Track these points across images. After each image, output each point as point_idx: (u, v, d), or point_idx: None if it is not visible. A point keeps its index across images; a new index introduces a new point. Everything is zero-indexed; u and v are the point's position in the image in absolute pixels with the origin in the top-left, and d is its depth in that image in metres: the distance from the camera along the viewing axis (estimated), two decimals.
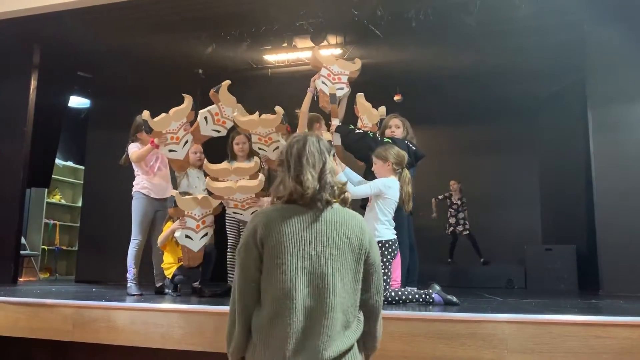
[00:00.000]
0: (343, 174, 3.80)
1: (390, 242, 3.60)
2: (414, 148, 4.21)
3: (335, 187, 1.86)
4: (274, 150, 4.35)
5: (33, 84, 6.14)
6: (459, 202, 7.55)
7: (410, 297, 3.48)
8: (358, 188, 3.70)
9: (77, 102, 8.41)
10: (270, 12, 5.83)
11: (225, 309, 3.17)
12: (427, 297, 3.47)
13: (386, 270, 3.54)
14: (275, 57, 7.14)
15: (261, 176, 4.06)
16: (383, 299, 3.40)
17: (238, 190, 4.04)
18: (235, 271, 1.80)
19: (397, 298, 3.47)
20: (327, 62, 4.50)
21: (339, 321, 1.71)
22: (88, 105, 8.09)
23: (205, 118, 4.43)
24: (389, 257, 3.57)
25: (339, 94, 4.41)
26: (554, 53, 6.35)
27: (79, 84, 7.78)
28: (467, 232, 7.44)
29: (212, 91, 4.37)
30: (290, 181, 1.83)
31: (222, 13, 5.84)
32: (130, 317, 3.20)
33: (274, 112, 4.28)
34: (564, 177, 7.21)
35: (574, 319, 2.68)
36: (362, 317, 1.81)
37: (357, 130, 4.18)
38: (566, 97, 7.20)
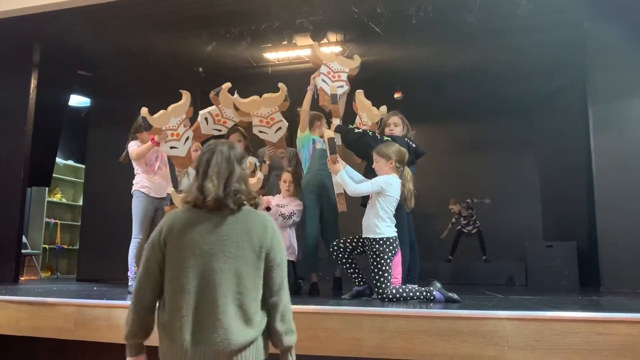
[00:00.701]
0: (344, 171, 3.80)
1: (391, 240, 3.60)
2: (414, 145, 4.21)
3: (242, 195, 1.99)
4: (275, 132, 4.37)
5: (33, 82, 6.13)
6: (459, 212, 7.62)
7: (411, 294, 3.48)
8: (360, 186, 3.71)
9: (77, 100, 8.41)
10: (271, 9, 5.83)
11: None
12: (428, 294, 3.48)
13: (387, 267, 3.55)
14: (276, 55, 7.13)
15: (260, 174, 4.06)
16: (383, 293, 3.42)
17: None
18: (140, 265, 1.97)
19: (397, 295, 3.47)
20: (327, 59, 4.47)
21: (236, 315, 1.85)
22: (88, 104, 8.08)
23: (206, 119, 4.43)
24: (389, 254, 3.58)
25: (339, 92, 4.38)
26: (554, 51, 6.35)
27: (79, 83, 7.77)
28: (476, 229, 7.46)
29: (212, 94, 4.37)
30: (194, 189, 2.00)
31: (222, 11, 5.83)
32: None
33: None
34: (564, 175, 7.21)
35: (575, 316, 2.69)
36: (263, 309, 1.94)
37: (357, 130, 4.17)
38: (566, 94, 7.20)
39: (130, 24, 5.96)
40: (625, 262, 5.20)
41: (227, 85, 4.36)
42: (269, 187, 4.72)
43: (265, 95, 4.34)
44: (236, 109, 4.36)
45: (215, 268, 1.87)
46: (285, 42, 6.51)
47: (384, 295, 3.49)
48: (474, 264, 7.24)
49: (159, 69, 6.81)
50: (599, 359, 2.56)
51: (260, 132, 4.42)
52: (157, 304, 1.95)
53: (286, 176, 4.40)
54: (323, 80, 4.38)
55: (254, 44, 6.50)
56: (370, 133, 4.14)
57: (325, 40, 6.46)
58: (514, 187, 8.05)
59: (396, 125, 4.37)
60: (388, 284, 3.52)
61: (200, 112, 4.56)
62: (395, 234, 3.65)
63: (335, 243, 3.85)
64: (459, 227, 7.57)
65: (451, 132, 8.34)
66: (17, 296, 3.54)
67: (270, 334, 1.96)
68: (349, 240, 3.81)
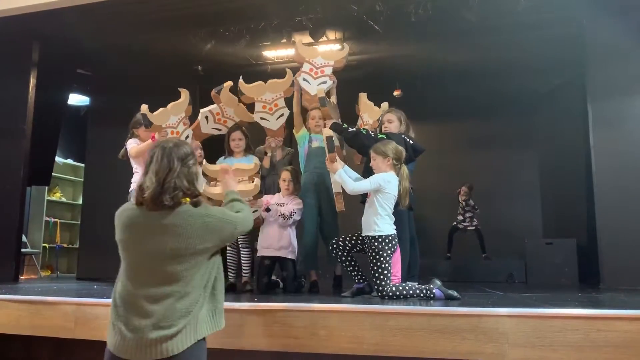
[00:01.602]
0: (342, 171, 3.79)
1: (390, 237, 3.60)
2: (411, 142, 4.18)
3: (180, 192, 2.11)
4: (277, 119, 4.33)
5: (32, 81, 6.13)
6: (463, 204, 7.57)
7: (411, 292, 3.48)
8: (358, 183, 3.71)
9: (76, 99, 8.40)
10: (269, 8, 5.82)
11: (226, 305, 3.18)
12: (428, 292, 3.48)
13: (386, 265, 3.55)
14: (275, 53, 7.12)
15: (257, 180, 4.00)
16: (382, 291, 3.42)
17: (233, 173, 3.99)
18: None
19: (397, 293, 3.47)
20: (309, 55, 4.37)
21: (169, 307, 2.06)
22: (87, 103, 8.08)
23: (207, 117, 4.42)
24: (389, 251, 3.58)
25: (322, 88, 4.27)
26: (554, 48, 6.34)
27: (78, 82, 7.77)
28: (474, 227, 7.43)
29: (213, 92, 4.35)
30: (137, 186, 2.17)
31: (221, 9, 5.83)
32: None
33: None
34: (564, 171, 7.21)
35: (574, 313, 2.69)
36: (200, 305, 2.14)
37: (350, 129, 4.14)
38: (566, 91, 7.20)
39: (130, 22, 5.95)
40: (624, 258, 5.20)
41: (229, 83, 4.34)
42: (267, 187, 4.70)
43: (270, 81, 4.31)
44: (240, 93, 4.31)
45: (158, 264, 2.08)
46: (284, 40, 6.50)
47: (384, 293, 3.49)
48: (473, 262, 7.24)
49: (158, 67, 6.80)
50: (598, 355, 2.56)
51: (261, 118, 4.37)
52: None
53: (285, 174, 4.38)
54: (305, 80, 4.30)
55: (253, 42, 6.48)
56: (364, 131, 4.09)
57: (324, 38, 6.46)
58: (514, 184, 8.04)
59: (390, 122, 4.30)
60: (388, 281, 3.52)
61: (201, 110, 4.55)
62: (394, 232, 3.65)
63: (334, 241, 3.85)
64: (454, 222, 7.56)
65: (451, 129, 8.33)
66: (17, 295, 3.54)
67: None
68: (348, 238, 3.81)
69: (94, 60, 7.00)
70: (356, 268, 3.83)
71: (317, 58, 4.35)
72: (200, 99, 6.76)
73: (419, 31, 6.14)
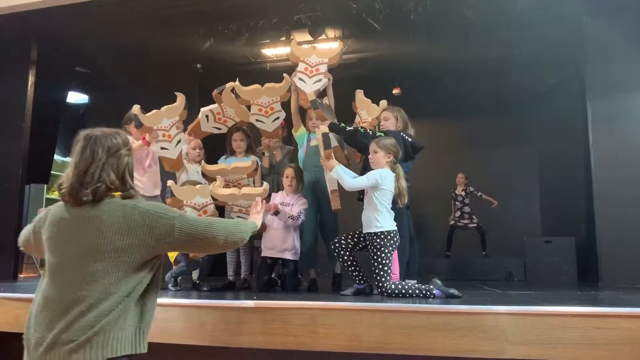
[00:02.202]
0: (340, 167, 3.79)
1: (392, 233, 3.60)
2: (410, 140, 4.18)
3: (102, 185, 1.88)
4: (272, 122, 4.34)
5: (31, 80, 6.11)
6: (462, 194, 7.52)
7: (410, 291, 3.48)
8: (356, 180, 3.72)
9: (75, 97, 8.39)
10: (268, 5, 5.81)
11: (225, 303, 3.19)
12: (428, 292, 3.47)
13: (387, 262, 3.55)
14: (274, 51, 7.11)
15: (266, 184, 3.97)
16: (382, 287, 3.41)
17: (242, 198, 3.94)
18: None
19: (397, 291, 3.47)
20: (304, 55, 4.38)
21: (75, 317, 1.78)
22: (86, 101, 8.06)
23: (207, 116, 4.41)
24: (390, 248, 3.58)
25: (317, 86, 4.28)
26: (553, 45, 6.34)
27: (77, 80, 7.76)
28: (475, 225, 7.41)
29: (215, 92, 4.34)
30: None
31: (220, 7, 5.81)
32: None
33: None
34: (563, 170, 7.21)
35: (573, 311, 2.69)
36: (116, 318, 1.83)
37: (348, 128, 4.14)
38: (565, 89, 7.20)
39: (128, 20, 5.93)
40: (623, 256, 5.20)
41: (231, 84, 4.32)
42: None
43: (267, 85, 4.31)
44: (236, 96, 4.32)
45: (67, 267, 1.85)
46: (283, 38, 6.49)
47: (384, 289, 3.49)
48: (472, 260, 7.24)
49: (157, 65, 6.79)
50: (597, 353, 2.57)
51: (257, 120, 4.39)
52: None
53: (289, 171, 4.36)
54: (300, 79, 4.30)
55: (252, 40, 6.48)
56: (361, 130, 4.09)
57: (323, 36, 6.45)
58: (513, 182, 8.05)
59: (386, 120, 4.29)
60: (388, 278, 3.52)
61: (202, 109, 4.54)
62: (395, 228, 3.65)
63: (336, 240, 3.84)
64: (452, 221, 7.55)
65: (449, 127, 8.33)
66: (16, 293, 3.54)
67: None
68: (350, 237, 3.81)
69: (93, 58, 6.98)
70: (357, 268, 3.82)
71: (312, 56, 4.37)
72: (199, 97, 6.77)
73: (418, 29, 6.14)
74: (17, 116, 6.01)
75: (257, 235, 4.43)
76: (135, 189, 2.00)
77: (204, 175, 4.25)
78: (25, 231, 2.18)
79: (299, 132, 4.59)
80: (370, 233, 3.62)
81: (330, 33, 6.57)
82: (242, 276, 4.72)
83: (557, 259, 6.28)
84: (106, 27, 6.02)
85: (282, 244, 4.21)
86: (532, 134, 8.05)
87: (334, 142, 4.13)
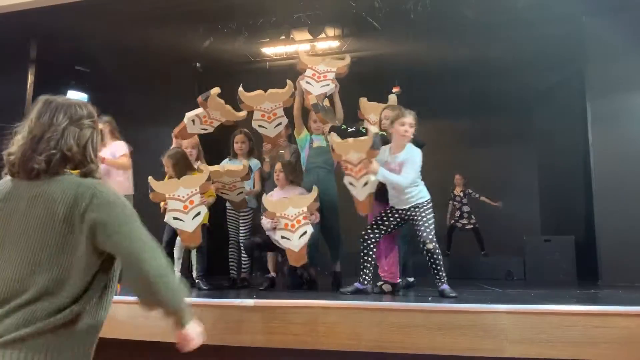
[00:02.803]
0: (383, 170, 3.71)
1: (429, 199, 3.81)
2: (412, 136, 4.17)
3: (58, 154, 1.58)
4: (275, 127, 4.40)
5: (30, 78, 6.12)
6: (461, 195, 7.53)
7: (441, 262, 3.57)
8: (407, 174, 3.71)
9: (75, 96, 8.38)
10: (268, 4, 5.81)
11: (225, 302, 3.19)
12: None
13: (433, 225, 3.67)
14: (273, 50, 7.11)
15: (245, 162, 4.40)
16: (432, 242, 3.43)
17: (225, 174, 4.32)
18: None
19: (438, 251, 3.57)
20: (312, 63, 4.44)
21: (12, 309, 1.48)
22: (86, 100, 8.05)
23: (193, 121, 4.41)
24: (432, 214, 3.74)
25: (325, 90, 4.34)
26: (553, 45, 6.34)
27: (76, 79, 7.74)
28: (472, 226, 7.41)
29: (200, 99, 4.36)
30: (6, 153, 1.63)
31: (219, 6, 5.82)
32: (131, 312, 3.20)
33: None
34: (562, 169, 7.21)
35: (573, 309, 2.70)
36: (75, 313, 1.53)
37: (350, 129, 4.15)
38: (565, 88, 7.19)
39: (127, 19, 5.93)
40: (623, 255, 5.20)
41: (216, 90, 4.32)
42: (269, 189, 4.70)
43: (270, 91, 4.34)
44: (240, 102, 4.35)
45: (27, 248, 1.53)
46: (283, 37, 6.49)
47: (434, 245, 3.55)
48: (472, 259, 7.24)
49: (157, 64, 6.79)
50: (597, 351, 2.57)
51: (259, 126, 4.42)
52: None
53: (278, 166, 4.43)
54: (308, 82, 4.35)
55: (252, 38, 6.48)
56: (363, 129, 4.12)
57: (323, 35, 6.45)
58: (512, 181, 8.04)
59: (387, 118, 4.28)
60: (435, 239, 3.61)
61: (187, 114, 4.49)
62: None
63: (366, 234, 3.78)
64: (452, 221, 7.55)
65: (449, 126, 8.32)
66: None
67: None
68: (380, 224, 3.77)
69: (92, 57, 6.97)
70: (370, 268, 3.79)
71: (320, 65, 4.42)
72: (199, 96, 6.77)
73: (418, 28, 6.14)
74: (16, 116, 5.98)
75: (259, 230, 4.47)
76: (99, 167, 1.70)
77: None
78: None
79: (302, 135, 4.59)
80: (417, 205, 3.71)
81: (330, 32, 6.57)
82: (242, 275, 4.73)
83: (556, 258, 6.28)
84: (106, 26, 6.02)
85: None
86: (532, 133, 8.03)
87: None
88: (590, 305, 2.78)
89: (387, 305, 2.91)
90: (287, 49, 7.02)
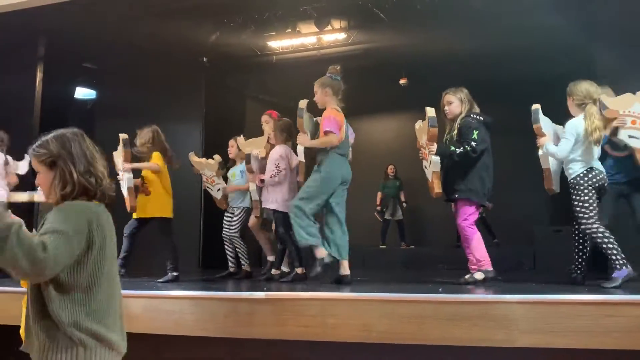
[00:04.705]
0: (549, 145, 4.04)
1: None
2: (482, 118, 4.44)
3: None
4: (217, 191, 5.04)
5: (39, 76, 6.16)
6: None
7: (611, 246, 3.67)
8: (562, 144, 3.97)
9: (83, 93, 8.42)
10: None
11: (236, 294, 3.21)
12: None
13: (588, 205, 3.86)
14: (280, 44, 7.09)
15: (217, 157, 5.07)
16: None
17: (205, 166, 5.01)
18: (62, 246, 1.70)
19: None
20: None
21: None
22: (94, 96, 8.09)
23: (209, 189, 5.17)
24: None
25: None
26: (561, 33, 6.27)
27: (84, 75, 7.78)
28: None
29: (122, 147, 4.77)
30: (80, 177, 1.82)
31: (226, 0, 5.81)
32: (144, 305, 3.23)
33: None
34: None
35: (584, 299, 2.69)
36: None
37: (458, 151, 4.32)
38: (574, 77, 7.11)
39: (134, 15, 5.95)
40: (633, 244, 5.16)
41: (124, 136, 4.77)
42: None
43: (205, 160, 5.04)
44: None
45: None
46: (289, 30, 6.47)
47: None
48: None
49: (164, 59, 6.79)
50: (608, 341, 2.56)
51: (208, 187, 5.09)
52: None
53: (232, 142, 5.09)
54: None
55: (258, 32, 6.47)
56: (458, 150, 4.27)
57: (329, 27, 6.43)
58: (521, 171, 7.99)
59: (450, 104, 4.48)
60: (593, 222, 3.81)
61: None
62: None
63: (582, 231, 4.01)
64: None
65: None
66: (14, 288, 3.57)
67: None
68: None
69: (100, 53, 7.00)
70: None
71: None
72: (206, 90, 6.79)
73: (425, 18, 6.09)
74: (25, 112, 6.05)
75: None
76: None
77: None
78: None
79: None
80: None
81: (336, 24, 6.55)
82: (243, 268, 4.89)
83: (567, 248, 6.24)
84: (113, 22, 6.03)
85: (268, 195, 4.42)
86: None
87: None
88: (601, 295, 2.77)
89: (397, 297, 2.91)
90: (294, 42, 7.00)
